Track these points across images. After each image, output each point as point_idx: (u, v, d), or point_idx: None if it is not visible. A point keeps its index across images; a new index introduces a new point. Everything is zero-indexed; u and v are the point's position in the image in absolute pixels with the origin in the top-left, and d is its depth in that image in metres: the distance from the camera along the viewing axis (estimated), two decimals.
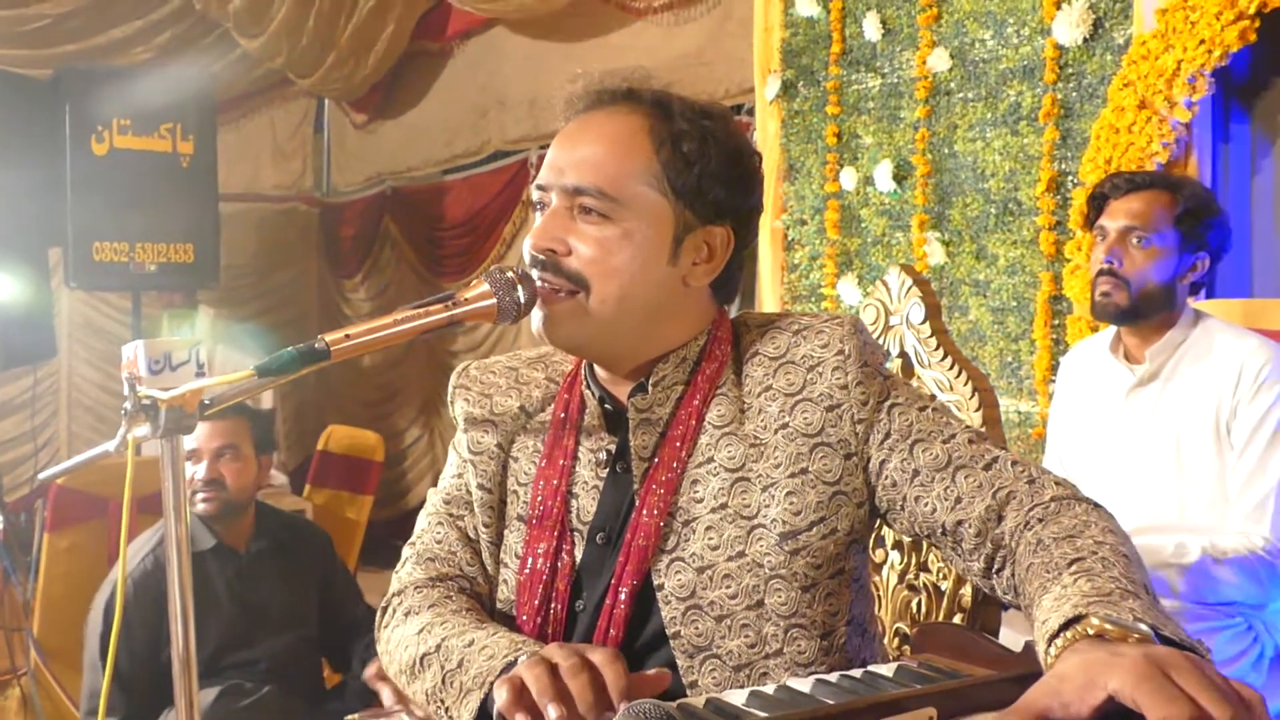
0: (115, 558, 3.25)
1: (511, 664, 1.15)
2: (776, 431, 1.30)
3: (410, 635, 1.32)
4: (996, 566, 1.21)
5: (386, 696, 2.73)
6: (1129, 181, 2.55)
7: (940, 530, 1.25)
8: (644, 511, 1.31)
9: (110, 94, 4.84)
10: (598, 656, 1.09)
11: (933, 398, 1.39)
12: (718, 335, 1.37)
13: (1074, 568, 1.06)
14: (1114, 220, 2.52)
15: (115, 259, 4.89)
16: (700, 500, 1.30)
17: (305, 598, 3.00)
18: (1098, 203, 2.58)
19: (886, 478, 1.29)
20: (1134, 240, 2.48)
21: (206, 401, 1.27)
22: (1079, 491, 1.23)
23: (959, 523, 1.23)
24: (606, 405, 1.37)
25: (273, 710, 2.72)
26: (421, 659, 1.27)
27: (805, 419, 1.30)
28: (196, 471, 2.82)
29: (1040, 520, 1.17)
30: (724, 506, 1.29)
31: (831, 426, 1.29)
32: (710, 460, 1.31)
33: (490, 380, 1.46)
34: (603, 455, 1.36)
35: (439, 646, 1.26)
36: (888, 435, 1.29)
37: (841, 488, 1.29)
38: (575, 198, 1.31)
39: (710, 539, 1.29)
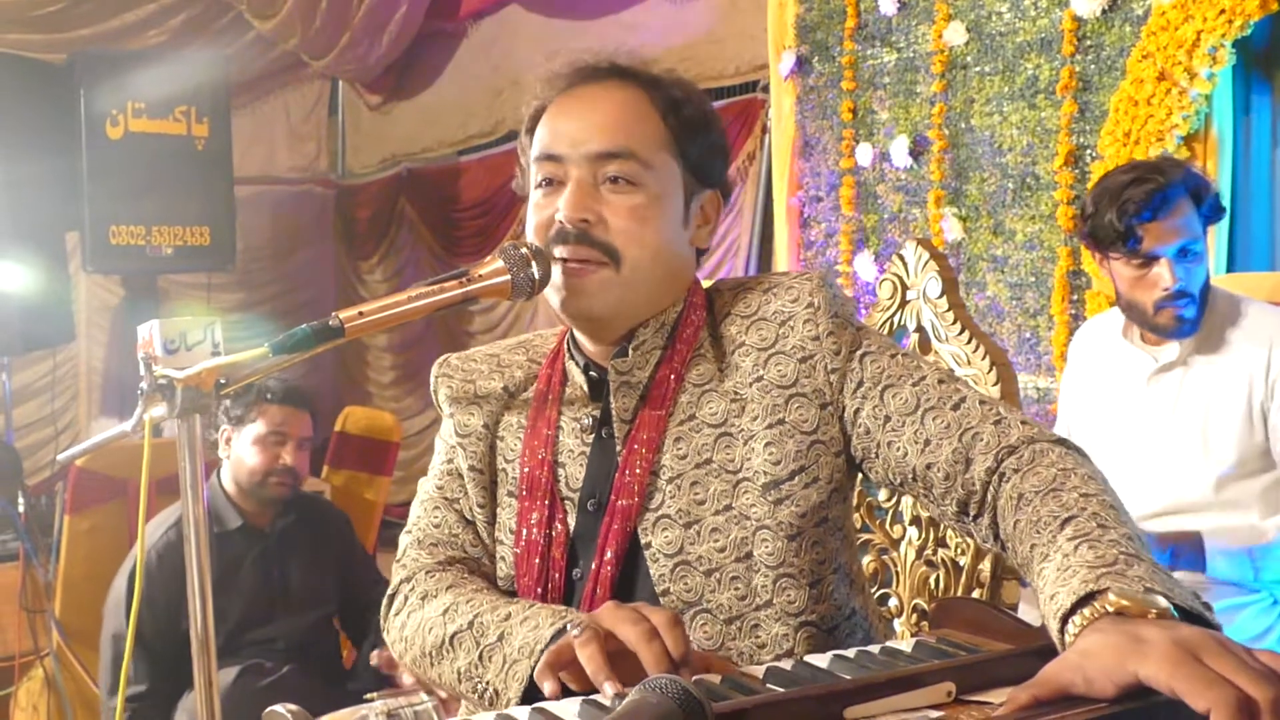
0: (136, 538, 3.27)
1: (560, 631, 1.14)
2: (752, 385, 1.32)
3: (434, 617, 1.31)
4: (973, 513, 1.22)
5: (408, 678, 2.73)
6: (1160, 195, 2.36)
7: (911, 475, 1.26)
8: (626, 472, 1.31)
9: (125, 78, 4.84)
10: (657, 619, 1.09)
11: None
12: (693, 301, 1.39)
13: (1069, 530, 1.05)
14: (1166, 243, 2.36)
15: (132, 242, 4.89)
16: (684, 457, 1.31)
17: (326, 576, 3.03)
18: (1126, 234, 2.37)
19: (860, 425, 1.30)
20: (1189, 254, 2.38)
21: (222, 381, 1.27)
22: (1045, 430, 1.23)
23: (928, 466, 1.24)
24: (592, 373, 1.38)
25: (292, 689, 2.74)
26: (451, 638, 1.27)
27: (779, 371, 1.31)
28: (282, 456, 2.86)
29: (1016, 470, 1.17)
30: (709, 462, 1.31)
31: (806, 378, 1.31)
32: (692, 418, 1.33)
33: (471, 367, 1.47)
34: (587, 421, 1.37)
35: (471, 623, 1.26)
36: (860, 384, 1.30)
37: (819, 437, 1.30)
38: (602, 165, 1.31)
39: (696, 494, 1.30)
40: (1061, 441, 1.21)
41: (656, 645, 1.06)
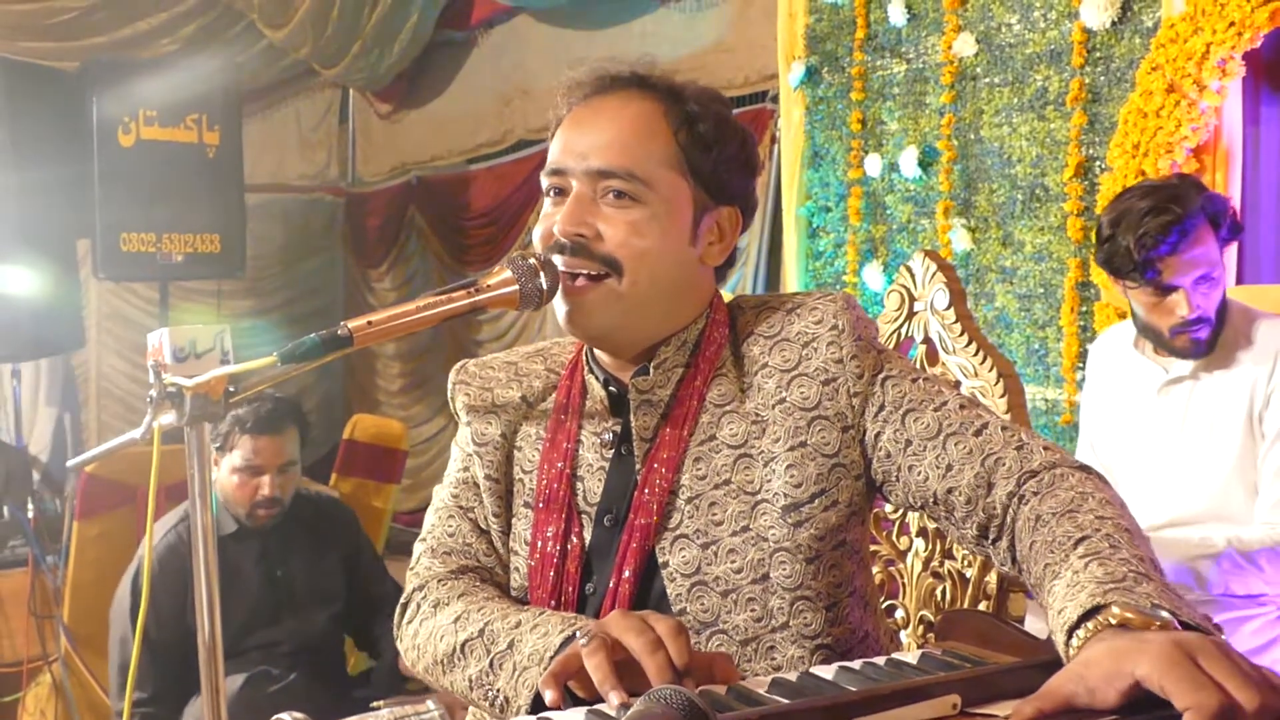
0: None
1: (569, 638, 1.14)
2: (774, 407, 1.31)
3: (445, 625, 1.32)
4: (992, 536, 1.22)
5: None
6: (1178, 229, 2.31)
7: (933, 499, 1.26)
8: (645, 490, 1.31)
9: (136, 86, 4.85)
10: (662, 628, 1.09)
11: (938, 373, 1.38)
12: (715, 318, 1.38)
13: (1081, 549, 1.05)
14: (1184, 274, 2.34)
15: (143, 250, 4.90)
16: (703, 477, 1.31)
17: (331, 574, 3.03)
18: (1144, 266, 2.34)
19: (881, 449, 1.30)
20: (1205, 283, 2.37)
21: (231, 389, 1.28)
22: (1068, 456, 1.24)
23: (949, 491, 1.24)
24: (611, 388, 1.38)
25: (299, 696, 2.74)
26: (463, 646, 1.27)
27: (802, 393, 1.31)
28: (260, 487, 2.83)
29: (1035, 493, 1.18)
30: (727, 483, 1.30)
31: (828, 400, 1.30)
32: (712, 438, 1.32)
33: (489, 375, 1.47)
34: (607, 437, 1.37)
35: (482, 631, 1.26)
36: (882, 407, 1.30)
37: (840, 460, 1.30)
38: (601, 181, 1.31)
39: (714, 515, 1.30)
40: (1083, 467, 1.22)
41: (660, 656, 1.06)
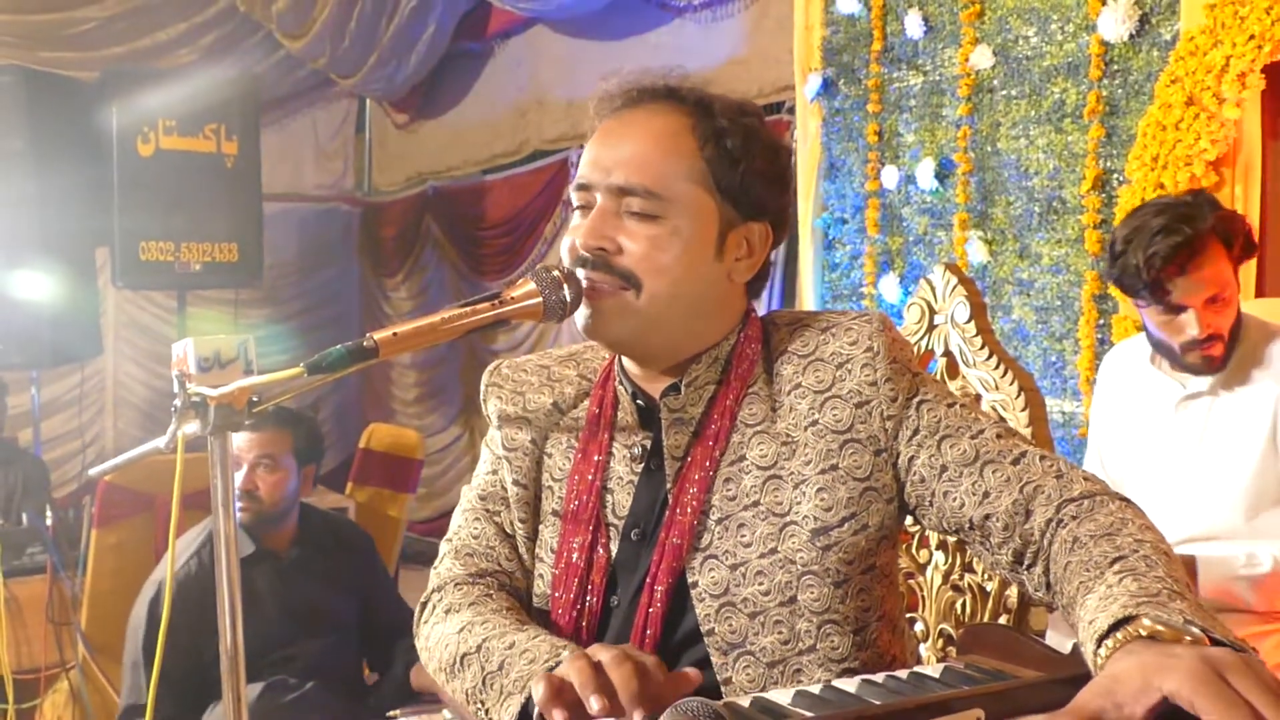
0: (162, 553, 3.28)
1: (552, 669, 1.15)
2: (806, 429, 1.31)
3: (450, 634, 1.32)
4: (1027, 562, 1.22)
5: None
6: (1187, 250, 2.29)
7: (968, 525, 1.26)
8: (677, 510, 1.31)
9: (156, 95, 4.89)
10: (639, 654, 1.09)
11: (959, 394, 1.38)
12: (748, 334, 1.38)
13: (1117, 566, 1.06)
14: (1193, 295, 2.33)
15: (161, 258, 4.93)
16: (733, 498, 1.31)
17: (346, 602, 3.00)
18: (1153, 286, 2.33)
19: (915, 473, 1.29)
20: (1217, 302, 2.34)
21: (255, 399, 1.29)
22: (1108, 487, 1.23)
23: (986, 517, 1.23)
24: (639, 401, 1.38)
25: (317, 705, 2.74)
26: (462, 658, 1.28)
27: (835, 416, 1.30)
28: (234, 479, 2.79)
29: (1074, 518, 1.18)
30: (756, 504, 1.30)
31: (861, 423, 1.30)
32: (742, 459, 1.32)
33: (522, 378, 1.47)
34: (637, 451, 1.37)
35: (480, 647, 1.27)
36: (916, 431, 1.29)
37: (872, 484, 1.30)
38: (622, 197, 1.31)
39: (743, 536, 1.30)
40: (1123, 497, 1.22)
41: (627, 666, 1.06)
